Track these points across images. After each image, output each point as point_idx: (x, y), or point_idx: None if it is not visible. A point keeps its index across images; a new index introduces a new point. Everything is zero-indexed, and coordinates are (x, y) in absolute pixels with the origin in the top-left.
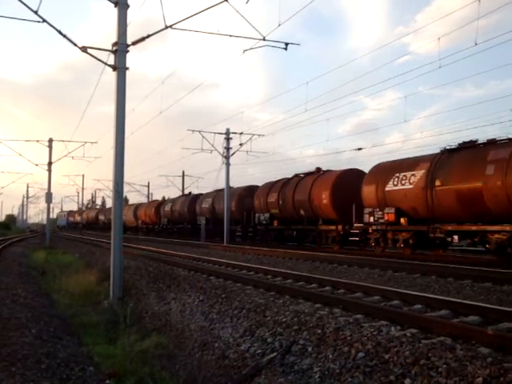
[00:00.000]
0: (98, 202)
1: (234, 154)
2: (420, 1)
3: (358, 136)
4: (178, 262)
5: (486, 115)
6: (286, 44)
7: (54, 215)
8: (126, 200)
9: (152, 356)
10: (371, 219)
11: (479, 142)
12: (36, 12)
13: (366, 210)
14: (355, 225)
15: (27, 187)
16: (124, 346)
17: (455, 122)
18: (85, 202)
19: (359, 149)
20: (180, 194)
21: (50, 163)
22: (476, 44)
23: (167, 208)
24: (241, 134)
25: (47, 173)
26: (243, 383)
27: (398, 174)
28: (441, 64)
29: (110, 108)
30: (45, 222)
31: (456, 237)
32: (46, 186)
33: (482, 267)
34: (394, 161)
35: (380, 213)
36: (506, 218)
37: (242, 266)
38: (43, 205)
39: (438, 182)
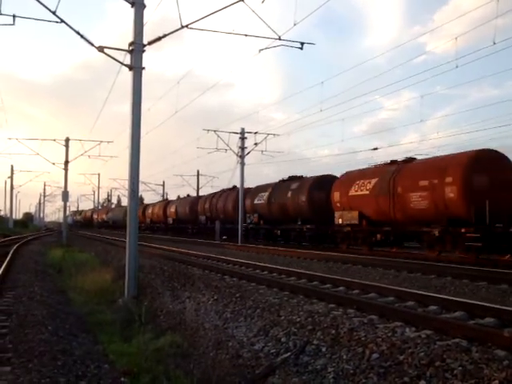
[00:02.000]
0: (114, 200)
1: (248, 153)
2: (437, 0)
3: (374, 136)
4: (192, 261)
5: (503, 115)
6: (302, 43)
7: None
8: (142, 199)
9: (167, 354)
10: (340, 221)
11: (435, 156)
12: (54, 12)
13: (336, 214)
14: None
15: (44, 186)
16: (139, 345)
17: (472, 122)
18: (101, 201)
19: (375, 149)
20: (195, 193)
21: (66, 162)
22: (494, 43)
23: (172, 208)
24: (255, 133)
25: (64, 171)
26: (257, 383)
27: (358, 182)
28: (458, 64)
29: (126, 107)
30: (61, 220)
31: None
32: (62, 185)
33: (498, 269)
34: (358, 169)
35: (348, 215)
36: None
37: (256, 265)
38: (60, 203)
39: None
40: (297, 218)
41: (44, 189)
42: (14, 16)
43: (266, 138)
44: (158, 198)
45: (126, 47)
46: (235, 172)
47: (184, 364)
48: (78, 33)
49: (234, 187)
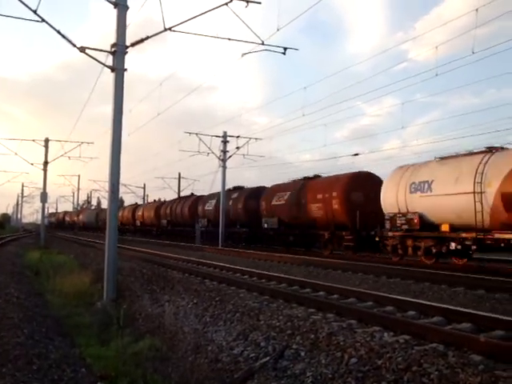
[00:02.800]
0: (94, 202)
1: (230, 157)
2: (419, 8)
3: (356, 142)
4: (172, 265)
5: (483, 123)
6: (285, 49)
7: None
8: (122, 201)
9: (145, 358)
10: (265, 225)
11: (331, 175)
12: (35, 11)
13: (263, 219)
14: None
15: (22, 186)
16: (117, 348)
17: (452, 129)
18: (80, 203)
19: (356, 154)
20: (176, 196)
21: (45, 163)
22: (473, 53)
23: (140, 212)
24: (238, 137)
25: (43, 172)
26: None
27: (278, 194)
28: (438, 72)
29: (108, 108)
30: (39, 221)
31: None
32: (41, 186)
33: (476, 275)
34: (279, 184)
35: (270, 220)
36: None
37: (236, 269)
38: (38, 204)
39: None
40: (236, 223)
41: (22, 189)
42: None
43: (248, 141)
44: (139, 201)
45: (109, 48)
46: (217, 175)
47: (162, 368)
48: (59, 32)
49: (192, 195)
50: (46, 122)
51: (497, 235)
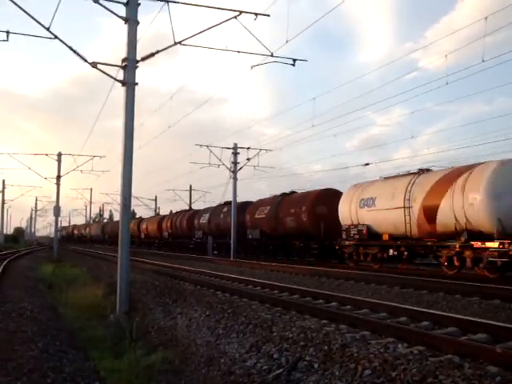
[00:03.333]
0: (106, 215)
1: (241, 168)
2: (429, 17)
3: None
4: (184, 277)
5: (494, 131)
6: (294, 60)
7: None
8: (134, 214)
9: (158, 371)
10: (250, 236)
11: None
12: (48, 29)
13: (248, 231)
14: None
15: (36, 200)
16: (130, 361)
17: (463, 138)
18: (93, 216)
19: (366, 164)
20: (187, 207)
21: (58, 177)
22: (483, 61)
23: (144, 225)
24: (248, 148)
25: (56, 186)
26: None
27: (260, 208)
28: (448, 80)
29: (119, 122)
30: (52, 235)
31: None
32: (54, 199)
33: (491, 284)
34: (261, 199)
35: (254, 232)
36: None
37: (248, 280)
38: (51, 218)
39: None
40: (226, 234)
41: (35, 203)
42: (7, 32)
43: (258, 153)
44: (151, 213)
45: (120, 62)
46: (228, 187)
47: (175, 381)
48: (71, 48)
49: (190, 209)
50: (58, 136)
51: (422, 242)
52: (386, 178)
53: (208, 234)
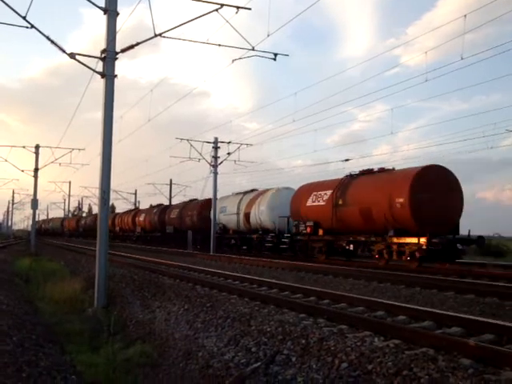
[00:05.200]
0: (85, 208)
1: (221, 163)
2: (410, 14)
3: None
4: (163, 271)
5: (471, 129)
6: (275, 54)
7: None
8: (113, 208)
9: (136, 365)
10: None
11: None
12: (24, 17)
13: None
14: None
15: (13, 193)
16: (107, 355)
17: (442, 135)
18: (71, 209)
19: (346, 160)
20: (167, 202)
21: (36, 169)
22: (462, 58)
23: (119, 220)
24: (229, 143)
25: (33, 179)
26: None
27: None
28: (427, 77)
29: (98, 115)
30: (29, 228)
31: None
32: (31, 192)
33: (467, 279)
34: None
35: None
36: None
37: (227, 275)
38: (29, 211)
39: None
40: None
41: (13, 196)
42: None
43: (239, 147)
44: (130, 207)
45: (99, 54)
46: (208, 181)
47: (153, 374)
48: (48, 38)
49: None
50: (36, 128)
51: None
52: (236, 194)
53: (178, 228)
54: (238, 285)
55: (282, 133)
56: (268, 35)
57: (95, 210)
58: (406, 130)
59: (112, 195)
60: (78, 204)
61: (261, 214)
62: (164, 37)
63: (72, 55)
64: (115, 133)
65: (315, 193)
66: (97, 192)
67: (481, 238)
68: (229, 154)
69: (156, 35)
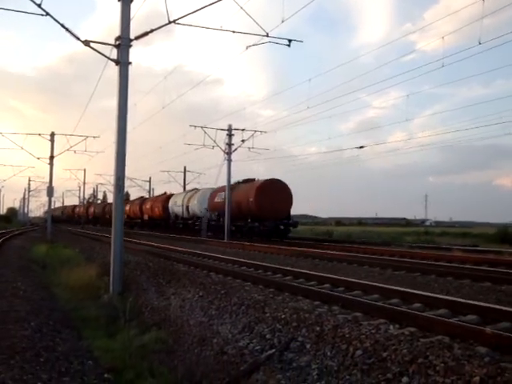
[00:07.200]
0: (100, 196)
1: (235, 150)
2: None
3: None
4: (178, 258)
5: (491, 114)
6: (289, 40)
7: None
8: (128, 195)
9: (151, 351)
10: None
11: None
12: (39, 5)
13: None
14: None
15: (29, 180)
16: (123, 341)
17: (459, 121)
18: (86, 197)
19: (361, 147)
20: (181, 189)
21: (51, 157)
22: (480, 43)
23: (127, 207)
24: (243, 130)
25: (49, 166)
26: (241, 379)
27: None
28: (444, 63)
29: (113, 102)
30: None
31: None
32: (47, 180)
33: (483, 267)
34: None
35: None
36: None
37: (241, 262)
38: (45, 198)
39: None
40: (178, 217)
41: (29, 184)
42: None
43: (253, 134)
44: (145, 194)
45: (113, 41)
46: (222, 169)
47: (168, 360)
48: (63, 26)
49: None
50: (52, 115)
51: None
52: (185, 192)
53: (180, 216)
54: (252, 272)
55: (297, 120)
56: (282, 21)
57: (110, 197)
58: (422, 116)
59: (126, 183)
60: (93, 191)
61: (194, 206)
62: (178, 23)
63: (86, 42)
64: (129, 120)
65: (218, 193)
66: (111, 179)
67: (295, 222)
68: (243, 141)
69: (170, 22)
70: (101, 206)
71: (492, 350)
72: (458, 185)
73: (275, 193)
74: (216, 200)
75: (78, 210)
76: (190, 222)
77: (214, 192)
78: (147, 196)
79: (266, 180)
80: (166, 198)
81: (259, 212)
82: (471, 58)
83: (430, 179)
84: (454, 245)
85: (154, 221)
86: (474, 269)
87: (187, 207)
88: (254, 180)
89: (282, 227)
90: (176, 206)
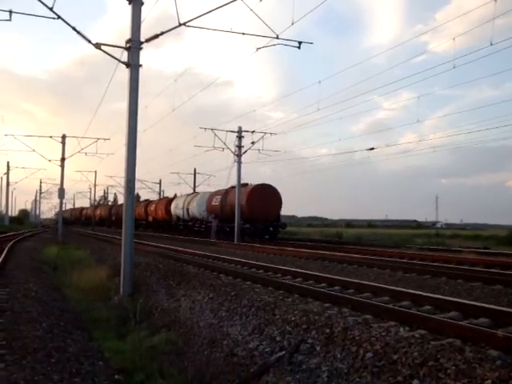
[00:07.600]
0: (111, 198)
1: (245, 152)
2: None
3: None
4: (188, 260)
5: (500, 116)
6: (300, 42)
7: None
8: (138, 197)
9: (161, 352)
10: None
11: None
12: (51, 9)
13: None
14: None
15: (40, 182)
16: (134, 342)
17: (469, 122)
18: (97, 199)
19: (371, 148)
20: (191, 191)
21: (63, 159)
22: (491, 44)
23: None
24: (253, 132)
25: (60, 168)
26: (251, 381)
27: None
28: (455, 64)
29: (123, 105)
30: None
31: None
32: (58, 182)
33: (494, 269)
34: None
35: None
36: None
37: (251, 264)
38: (56, 200)
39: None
40: (178, 219)
41: (40, 186)
42: (10, 11)
43: (263, 136)
44: (155, 196)
45: (124, 44)
46: (232, 170)
47: (178, 361)
48: (74, 29)
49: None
50: (63, 118)
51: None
52: (186, 195)
53: (182, 218)
54: (261, 274)
55: (307, 122)
56: (292, 23)
57: (121, 198)
58: (433, 117)
59: (137, 184)
60: (104, 193)
61: (193, 209)
62: (188, 26)
63: (97, 45)
64: (140, 122)
65: (215, 197)
66: (122, 181)
67: (284, 223)
68: (253, 143)
69: (180, 24)
70: (107, 207)
71: (504, 354)
72: (470, 186)
73: (265, 197)
74: (213, 203)
75: (85, 211)
76: (189, 223)
77: (212, 195)
78: (157, 198)
79: (257, 185)
80: (169, 200)
81: (250, 214)
82: (482, 59)
83: (441, 181)
84: (465, 247)
85: (158, 222)
86: (485, 271)
87: (187, 209)
88: (247, 185)
89: (271, 229)
90: (177, 208)
